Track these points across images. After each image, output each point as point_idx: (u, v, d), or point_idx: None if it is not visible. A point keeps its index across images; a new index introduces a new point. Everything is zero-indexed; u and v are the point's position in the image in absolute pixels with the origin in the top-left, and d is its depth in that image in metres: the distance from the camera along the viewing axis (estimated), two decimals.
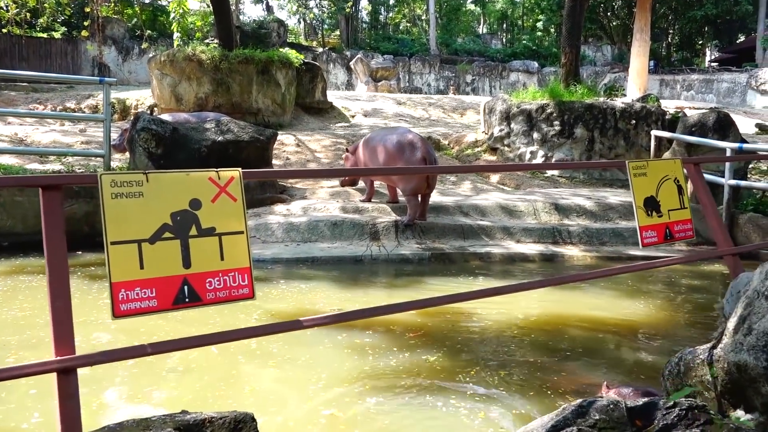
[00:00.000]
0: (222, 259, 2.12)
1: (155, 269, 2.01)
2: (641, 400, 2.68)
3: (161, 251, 2.02)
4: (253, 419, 2.37)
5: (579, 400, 2.62)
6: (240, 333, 2.15)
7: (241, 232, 2.15)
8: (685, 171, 3.61)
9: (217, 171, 2.17)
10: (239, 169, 2.25)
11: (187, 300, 2.07)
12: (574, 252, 11.83)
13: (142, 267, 2.00)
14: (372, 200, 12.82)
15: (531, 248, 11.88)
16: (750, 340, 2.60)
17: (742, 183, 12.31)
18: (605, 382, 3.72)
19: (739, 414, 2.78)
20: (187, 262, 2.06)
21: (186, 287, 2.06)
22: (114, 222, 1.98)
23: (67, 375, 1.94)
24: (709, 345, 3.12)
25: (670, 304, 8.08)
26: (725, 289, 8.85)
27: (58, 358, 1.91)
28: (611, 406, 2.53)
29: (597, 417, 2.46)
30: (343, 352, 6.11)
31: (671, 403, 2.63)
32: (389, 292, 8.83)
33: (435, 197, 12.90)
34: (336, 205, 12.63)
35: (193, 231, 2.07)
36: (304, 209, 12.48)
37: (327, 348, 6.25)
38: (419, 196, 11.65)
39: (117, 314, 2.00)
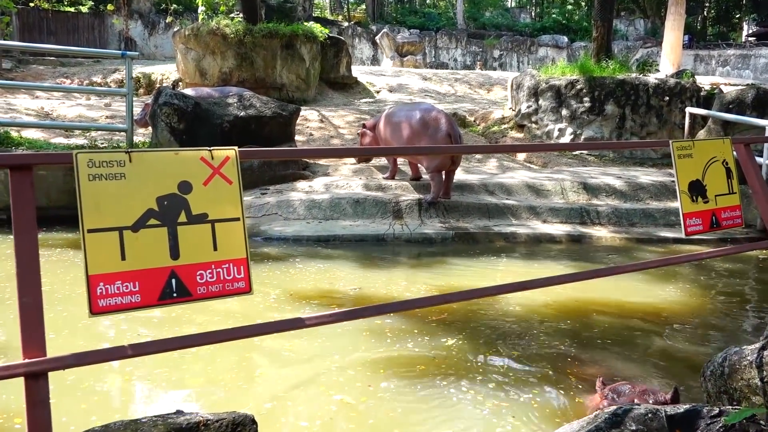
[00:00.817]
0: (215, 249, 1.89)
1: (139, 260, 1.79)
2: (682, 408, 2.42)
3: (146, 240, 1.80)
4: (253, 421, 2.17)
5: (613, 408, 2.38)
6: (232, 333, 1.94)
7: (237, 219, 1.92)
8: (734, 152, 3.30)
9: (210, 150, 1.94)
10: (235, 147, 2.01)
11: (175, 295, 1.85)
12: (602, 233, 11.47)
13: (123, 258, 1.78)
14: (395, 178, 12.57)
15: (558, 229, 11.55)
16: None
17: None
18: (600, 378, 3.46)
19: None
20: (175, 253, 1.83)
21: (174, 281, 1.84)
22: (92, 207, 1.76)
23: (36, 380, 1.74)
24: (758, 345, 2.84)
25: (706, 292, 7.72)
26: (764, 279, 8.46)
27: (26, 360, 1.72)
28: (650, 415, 2.28)
29: (634, 427, 2.21)
30: (361, 334, 5.93)
31: (716, 411, 2.38)
32: (411, 272, 8.61)
33: (459, 175, 12.59)
34: (359, 182, 12.41)
35: (182, 218, 1.84)
36: (327, 186, 12.29)
37: (345, 329, 6.07)
38: (443, 173, 11.37)
39: (95, 311, 1.79)
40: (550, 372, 5.08)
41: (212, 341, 1.90)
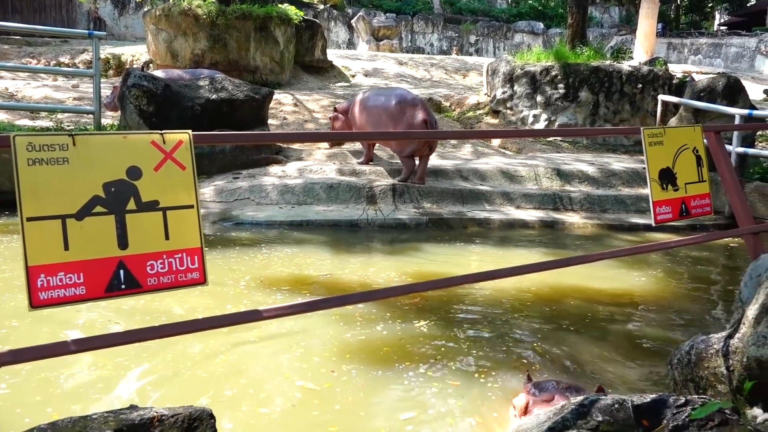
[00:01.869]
0: (167, 238, 1.78)
1: (83, 250, 1.68)
2: (649, 397, 2.41)
3: (91, 229, 1.69)
4: (211, 416, 2.09)
5: (580, 398, 2.35)
6: (189, 325, 1.85)
7: (191, 207, 1.80)
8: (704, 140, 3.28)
9: (161, 133, 1.82)
10: (189, 131, 1.90)
11: (123, 287, 1.74)
12: (574, 219, 11.53)
13: (66, 248, 1.67)
14: (369, 163, 12.48)
15: (531, 214, 11.58)
16: None
17: (750, 151, 11.95)
18: (527, 373, 3.44)
19: (757, 412, 2.52)
20: (123, 242, 1.72)
21: (122, 272, 1.73)
22: (31, 194, 1.65)
23: None
24: (724, 334, 2.84)
25: (675, 278, 7.81)
26: (738, 263, 8.58)
27: None
28: (616, 406, 2.26)
29: (600, 418, 2.19)
30: (330, 318, 5.86)
31: (683, 400, 2.37)
32: (385, 259, 8.56)
33: (434, 160, 12.55)
34: (332, 167, 12.30)
35: (131, 205, 1.73)
36: (300, 171, 12.16)
37: (314, 314, 6.01)
38: (416, 157, 11.35)
39: (35, 304, 1.68)
40: (516, 357, 5.07)
41: (162, 335, 1.82)
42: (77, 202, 1.66)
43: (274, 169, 12.29)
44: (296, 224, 10.45)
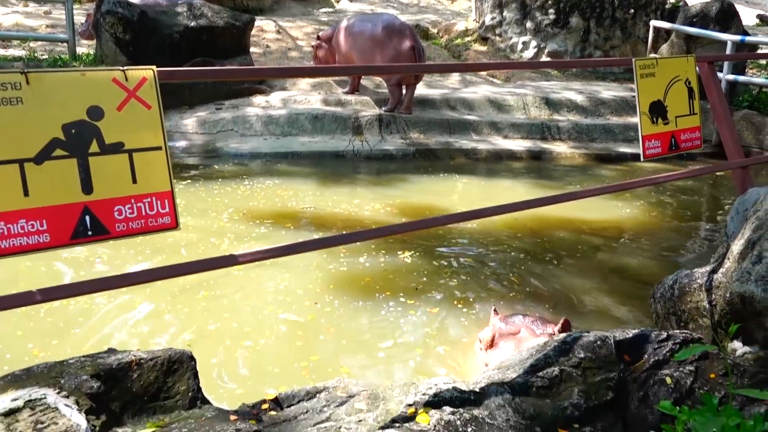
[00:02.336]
0: (134, 182, 1.69)
1: (45, 196, 1.59)
2: (631, 332, 2.42)
3: (52, 173, 1.59)
4: (191, 358, 2.07)
5: (562, 335, 2.35)
6: (164, 272, 1.78)
7: (159, 148, 1.70)
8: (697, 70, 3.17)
9: (122, 70, 1.70)
10: (153, 67, 1.77)
11: (90, 233, 1.66)
12: (562, 149, 11.46)
13: (26, 194, 1.57)
14: (355, 93, 12.20)
15: (519, 144, 11.48)
16: (759, 270, 2.31)
17: (740, 78, 11.78)
18: (494, 307, 3.46)
19: (736, 345, 2.55)
20: (87, 187, 1.63)
21: (87, 217, 1.64)
22: None
23: None
24: (708, 268, 2.84)
25: (661, 209, 7.83)
26: (724, 193, 8.60)
27: None
28: (598, 343, 2.27)
29: (582, 355, 2.20)
30: (313, 253, 5.85)
31: (664, 335, 2.38)
32: (371, 190, 8.49)
33: (421, 90, 12.29)
34: (317, 97, 12.02)
35: (94, 147, 1.63)
36: (284, 101, 11.88)
37: None
38: (403, 86, 11.11)
39: None
40: (499, 287, 5.11)
41: (133, 283, 1.76)
42: (35, 146, 1.56)
43: (258, 99, 12.00)
44: (281, 156, 10.30)
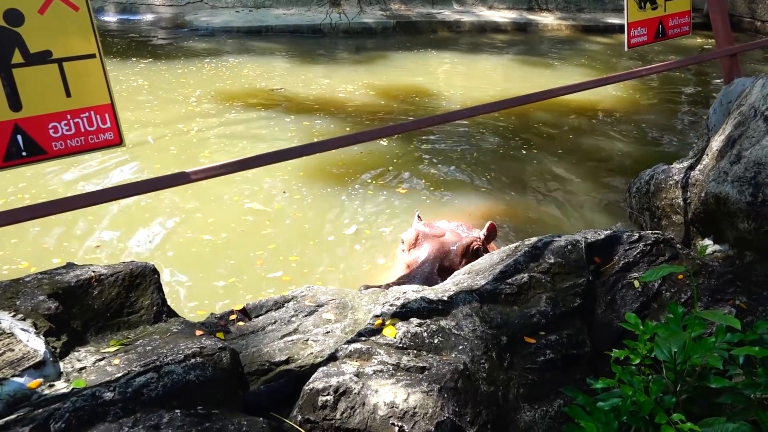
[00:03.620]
0: (68, 95, 1.51)
1: None
2: (603, 234, 2.39)
3: None
4: (154, 271, 2.01)
5: (534, 239, 2.32)
6: (111, 193, 1.66)
7: (93, 56, 1.51)
8: None
9: None
10: None
11: (24, 154, 1.51)
12: (549, 20, 11.00)
13: None
14: None
15: (504, 16, 11.00)
16: (737, 170, 2.24)
17: None
18: (417, 212, 3.40)
19: (707, 243, 2.54)
20: (15, 103, 1.46)
21: (20, 137, 1.49)
22: None
23: None
24: (686, 164, 2.77)
25: (644, 87, 7.64)
26: (712, 70, 8.35)
27: None
28: (569, 248, 2.24)
29: (552, 261, 2.18)
30: (286, 136, 5.69)
31: (636, 236, 2.36)
32: (349, 70, 8.16)
33: None
34: None
35: (18, 57, 1.44)
36: None
37: (272, 132, 5.82)
38: None
39: None
40: (474, 172, 5.04)
41: (88, 203, 1.65)
42: None
43: None
44: (255, 30, 9.80)
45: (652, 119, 6.56)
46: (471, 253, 2.94)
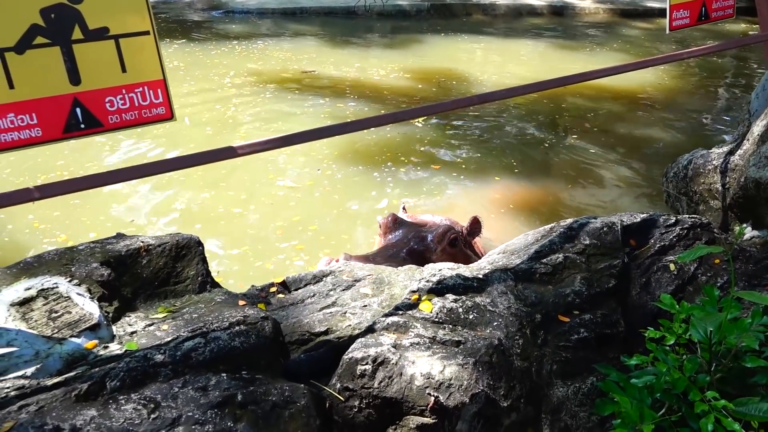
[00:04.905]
0: (124, 70, 1.57)
1: (31, 88, 1.49)
2: (639, 217, 2.39)
3: (35, 63, 1.48)
4: (199, 243, 2.08)
5: (569, 221, 2.33)
6: (158, 166, 1.73)
7: (147, 33, 1.56)
8: None
9: None
10: None
11: (82, 126, 1.58)
12: (586, 3, 10.83)
13: (11, 86, 1.48)
14: None
15: None
16: None
17: None
18: (403, 205, 3.37)
19: (745, 228, 2.52)
20: (75, 78, 1.52)
21: (78, 110, 1.55)
22: None
23: None
24: (725, 149, 2.74)
25: (684, 73, 7.50)
26: (757, 62, 8.14)
27: None
28: (605, 229, 2.24)
29: (587, 242, 2.19)
30: (318, 117, 5.75)
31: (672, 220, 2.35)
32: (382, 51, 8.18)
33: None
34: None
35: (77, 34, 1.49)
36: None
37: (306, 114, 5.89)
38: None
39: None
40: (509, 156, 5.03)
41: (131, 177, 1.72)
42: (14, 33, 1.44)
43: None
44: (289, 12, 9.86)
45: (689, 104, 6.45)
46: (448, 242, 2.89)
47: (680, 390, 1.52)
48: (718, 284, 2.16)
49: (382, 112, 5.96)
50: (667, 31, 2.63)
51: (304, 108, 6.01)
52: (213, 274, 2.15)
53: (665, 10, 2.65)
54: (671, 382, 1.54)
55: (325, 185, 4.45)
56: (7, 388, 1.48)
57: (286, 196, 4.31)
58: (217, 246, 3.74)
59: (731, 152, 2.69)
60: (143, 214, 4.13)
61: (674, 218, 2.40)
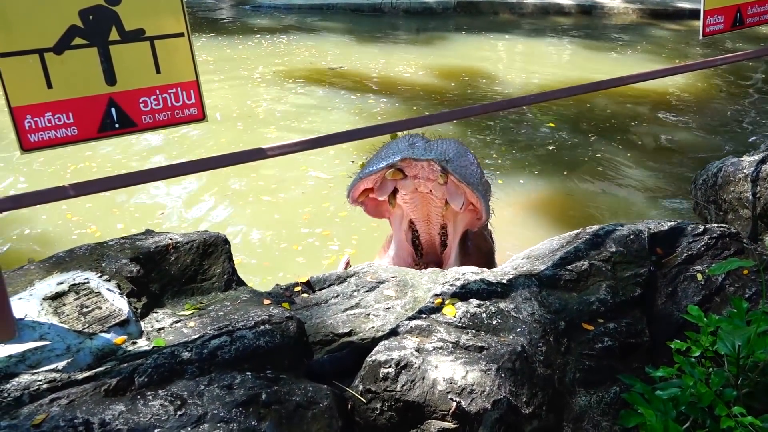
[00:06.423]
0: (158, 71, 1.60)
1: (69, 88, 1.52)
2: (666, 225, 2.36)
3: (73, 63, 1.51)
4: (226, 241, 2.11)
5: (595, 227, 2.31)
6: (187, 167, 1.77)
7: (181, 35, 1.58)
8: None
9: None
10: None
11: (117, 126, 1.61)
12: (615, 3, 10.70)
13: (50, 86, 1.51)
14: None
15: None
16: None
17: None
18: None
19: None
20: (110, 77, 1.55)
21: (113, 109, 1.58)
22: (0, 25, 1.45)
23: None
24: (757, 157, 2.70)
25: (715, 77, 7.37)
26: None
27: None
28: (631, 237, 2.22)
29: (613, 249, 2.17)
30: (350, 115, 5.78)
31: (701, 229, 2.33)
32: (408, 49, 8.16)
33: None
34: None
35: (114, 35, 1.52)
36: None
37: (338, 110, 5.92)
38: None
39: (26, 147, 1.57)
40: (534, 158, 5.00)
41: (164, 177, 1.76)
42: (53, 34, 1.47)
43: None
44: (316, 8, 9.90)
45: (717, 108, 6.34)
46: None
47: (706, 404, 1.51)
48: (747, 295, 2.13)
49: (414, 109, 5.98)
50: (701, 37, 2.59)
51: (334, 103, 6.04)
52: (237, 259, 2.19)
53: (696, 11, 2.61)
54: (697, 395, 1.52)
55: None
56: (40, 380, 1.52)
57: (316, 185, 4.42)
58: (239, 231, 3.83)
59: (763, 161, 2.65)
60: (172, 206, 4.20)
61: (702, 227, 2.38)
